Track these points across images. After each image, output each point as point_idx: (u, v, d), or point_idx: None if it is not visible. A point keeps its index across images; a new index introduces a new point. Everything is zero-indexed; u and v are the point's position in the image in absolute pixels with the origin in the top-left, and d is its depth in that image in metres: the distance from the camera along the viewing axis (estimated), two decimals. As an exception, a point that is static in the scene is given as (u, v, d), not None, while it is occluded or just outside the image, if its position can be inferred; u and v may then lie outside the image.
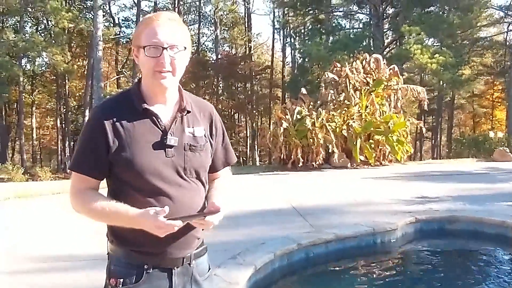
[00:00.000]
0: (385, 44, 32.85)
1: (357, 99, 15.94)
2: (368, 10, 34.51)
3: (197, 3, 41.92)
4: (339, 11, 37.59)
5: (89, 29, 29.06)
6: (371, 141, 15.30)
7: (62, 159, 37.51)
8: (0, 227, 7.22)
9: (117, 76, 38.78)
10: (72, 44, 35.97)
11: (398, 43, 33.76)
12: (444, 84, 31.08)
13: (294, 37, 43.12)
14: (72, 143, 37.30)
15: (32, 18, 33.94)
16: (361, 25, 37.12)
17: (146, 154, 1.89)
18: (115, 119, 1.90)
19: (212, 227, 1.92)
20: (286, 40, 44.15)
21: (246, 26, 43.69)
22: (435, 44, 31.12)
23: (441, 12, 31.36)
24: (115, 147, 1.88)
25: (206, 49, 45.30)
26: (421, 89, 17.79)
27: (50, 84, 38.87)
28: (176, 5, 39.58)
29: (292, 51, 43.29)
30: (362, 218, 6.87)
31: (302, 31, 40.75)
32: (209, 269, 2.16)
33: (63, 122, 38.17)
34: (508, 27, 37.65)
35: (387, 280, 5.35)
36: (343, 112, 15.69)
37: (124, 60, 40.76)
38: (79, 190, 1.94)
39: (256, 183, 12.33)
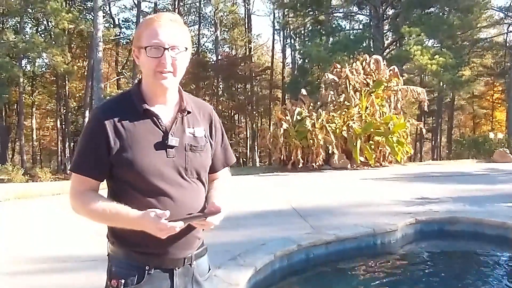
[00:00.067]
0: (385, 45, 32.90)
1: (357, 100, 15.96)
2: (368, 11, 34.57)
3: (197, 4, 41.96)
4: (339, 12, 37.64)
5: (89, 30, 29.08)
6: (371, 142, 15.31)
7: (62, 160, 37.53)
8: (0, 227, 7.22)
9: (117, 77, 38.80)
10: (72, 45, 36.01)
11: (398, 44, 33.82)
12: (444, 85, 31.14)
13: (294, 38, 43.17)
14: (72, 144, 37.34)
15: (32, 19, 33.98)
16: (361, 26, 37.16)
17: (148, 154, 1.89)
18: (116, 120, 1.90)
19: (213, 227, 1.93)
20: (286, 41, 44.24)
21: (246, 27, 43.71)
22: (435, 45, 31.22)
23: (441, 13, 31.41)
24: (116, 148, 1.88)
25: (206, 50, 45.37)
26: (421, 90, 17.81)
27: (50, 85, 38.90)
28: (176, 6, 39.62)
29: (292, 52, 43.38)
30: (362, 219, 6.86)
31: (302, 32, 40.80)
32: (209, 269, 2.16)
33: (63, 123, 38.20)
34: (508, 28, 37.73)
35: (387, 281, 5.34)
36: (343, 113, 15.70)
37: (124, 61, 40.78)
38: (79, 192, 1.94)
39: (256, 184, 12.34)
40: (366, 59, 17.24)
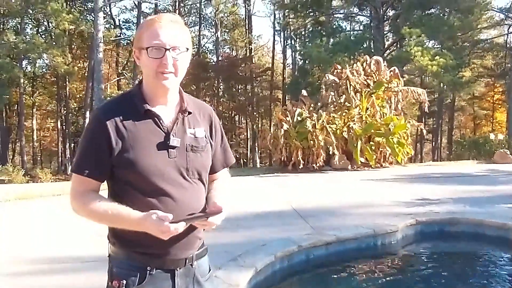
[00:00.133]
0: (386, 46, 32.90)
1: (357, 101, 15.95)
2: (369, 12, 34.57)
3: (198, 5, 41.93)
4: (340, 13, 37.65)
5: (90, 31, 29.07)
6: (371, 143, 15.31)
7: (63, 160, 37.53)
8: (0, 228, 7.22)
9: (118, 78, 38.81)
10: (73, 46, 36.03)
11: (398, 45, 33.80)
12: (445, 86, 31.16)
13: (295, 39, 43.19)
14: (72, 144, 37.38)
15: (32, 20, 33.98)
16: (361, 27, 37.14)
17: (149, 155, 1.89)
18: (117, 121, 1.90)
19: (215, 227, 1.93)
20: (286, 42, 44.25)
21: (247, 28, 43.71)
22: (435, 46, 31.19)
23: (441, 14, 31.42)
24: (118, 148, 1.88)
25: (206, 51, 45.34)
26: (421, 91, 17.80)
27: (50, 86, 38.91)
28: (176, 7, 39.61)
29: (293, 53, 43.37)
30: (362, 220, 6.87)
31: (303, 33, 40.82)
32: (210, 270, 2.16)
33: (64, 124, 38.20)
34: (508, 29, 37.70)
35: (387, 281, 5.34)
36: (344, 114, 15.70)
37: (125, 62, 40.80)
38: (80, 192, 1.93)
39: (256, 185, 12.34)
40: (366, 60, 17.24)
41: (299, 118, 15.31)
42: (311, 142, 14.59)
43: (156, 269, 1.94)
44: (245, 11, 43.93)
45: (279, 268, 5.14)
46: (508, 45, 38.42)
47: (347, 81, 16.03)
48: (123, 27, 40.58)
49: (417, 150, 38.02)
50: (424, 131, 23.94)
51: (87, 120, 29.50)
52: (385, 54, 29.38)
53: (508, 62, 37.86)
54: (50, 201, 9.74)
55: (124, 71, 39.09)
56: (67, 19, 26.86)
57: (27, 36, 29.68)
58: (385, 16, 33.31)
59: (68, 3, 31.12)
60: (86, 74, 35.54)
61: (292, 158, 14.89)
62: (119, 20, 41.72)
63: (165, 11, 37.04)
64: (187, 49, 1.95)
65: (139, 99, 1.97)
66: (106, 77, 35.08)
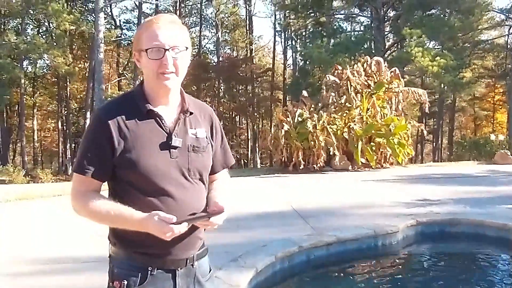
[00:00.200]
0: (386, 46, 32.92)
1: (358, 101, 15.96)
2: (369, 13, 34.56)
3: (199, 5, 41.94)
4: (340, 14, 37.66)
5: (91, 31, 29.05)
6: (372, 143, 15.30)
7: (63, 161, 37.57)
8: (1, 229, 7.22)
9: (119, 79, 38.83)
10: (74, 46, 36.07)
11: (399, 45, 33.82)
12: (445, 87, 31.16)
13: (295, 39, 43.18)
14: (73, 145, 37.41)
15: (33, 20, 34.03)
16: (362, 28, 37.16)
17: (151, 155, 1.90)
18: (119, 121, 1.90)
19: (216, 227, 1.94)
20: (287, 42, 44.27)
21: (248, 28, 43.73)
22: (436, 47, 31.20)
23: (442, 15, 31.41)
24: (121, 148, 1.88)
25: (207, 52, 45.38)
26: (422, 92, 17.79)
27: (51, 86, 38.95)
28: (177, 8, 39.62)
29: (293, 54, 43.36)
30: (363, 220, 6.86)
31: (304, 33, 40.82)
32: (210, 270, 2.16)
33: (64, 124, 38.24)
34: (509, 30, 37.67)
35: (388, 282, 5.34)
36: (344, 114, 15.70)
37: (126, 62, 40.82)
38: (81, 192, 1.93)
39: (257, 185, 12.35)
40: (367, 61, 17.24)
41: (299, 119, 15.31)
42: (312, 142, 14.59)
43: (157, 269, 1.94)
44: (246, 11, 44.03)
45: (280, 269, 5.14)
46: (508, 46, 38.43)
47: (348, 81, 16.03)
48: (123, 27, 40.67)
49: (418, 150, 38.04)
50: (425, 132, 23.95)
51: (87, 121, 29.55)
52: (386, 55, 29.38)
53: (509, 63, 37.85)
54: (51, 201, 9.75)
55: (124, 72, 39.13)
56: (68, 20, 26.87)
57: (28, 37, 29.71)
58: (386, 17, 33.32)
59: (69, 3, 31.13)
60: (86, 75, 35.56)
61: (293, 159, 14.89)
62: (119, 20, 41.80)
63: (166, 11, 37.04)
64: (187, 48, 1.96)
65: (141, 99, 1.97)
66: (106, 78, 35.11)
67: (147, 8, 37.81)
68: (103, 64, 28.34)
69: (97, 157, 1.90)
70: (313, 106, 16.66)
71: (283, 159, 15.40)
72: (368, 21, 36.21)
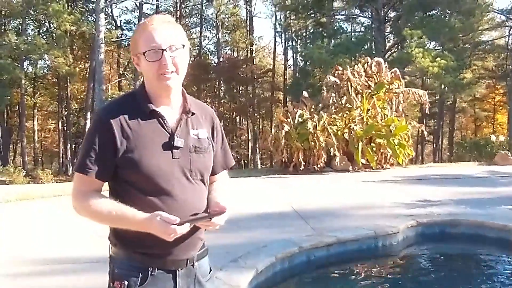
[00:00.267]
0: (387, 47, 32.92)
1: (358, 102, 15.94)
2: (370, 13, 34.56)
3: (199, 6, 41.97)
4: (341, 15, 37.66)
5: (91, 31, 29.09)
6: (372, 144, 15.29)
7: (64, 161, 37.58)
8: (1, 229, 7.22)
9: (119, 79, 38.84)
10: (74, 47, 36.07)
11: (399, 46, 33.81)
12: (446, 88, 31.15)
13: (296, 40, 43.17)
14: (73, 145, 37.43)
15: (34, 21, 34.04)
16: (362, 29, 37.18)
17: (154, 155, 1.90)
18: (122, 120, 1.90)
19: (218, 228, 1.94)
20: (287, 43, 44.26)
21: (248, 29, 43.75)
22: (436, 47, 31.17)
23: (442, 16, 31.40)
24: (123, 149, 1.88)
25: (208, 52, 45.42)
26: (422, 93, 17.78)
27: (51, 87, 38.97)
28: (178, 8, 39.66)
29: (294, 54, 43.34)
30: (363, 221, 6.87)
31: (304, 34, 40.79)
32: (210, 270, 2.17)
33: (65, 125, 38.25)
34: (509, 31, 37.61)
35: (388, 283, 5.35)
36: (345, 115, 15.69)
37: (126, 63, 40.80)
38: (83, 192, 1.93)
39: (257, 186, 12.34)
40: (367, 62, 17.23)
41: (300, 120, 15.29)
42: (312, 143, 14.58)
43: (158, 270, 1.94)
44: (246, 12, 44.05)
45: (280, 269, 5.14)
46: (509, 47, 38.36)
47: (348, 82, 16.01)
48: (124, 28, 40.66)
49: (418, 151, 37.99)
50: (425, 133, 23.95)
51: (88, 121, 29.57)
52: (386, 56, 29.38)
53: (509, 63, 37.84)
54: (51, 202, 9.74)
55: (125, 72, 39.13)
56: (68, 20, 26.89)
57: (28, 37, 29.70)
58: (386, 18, 33.32)
59: (70, 4, 31.16)
60: (87, 75, 35.56)
61: (293, 159, 14.87)
62: (120, 21, 41.80)
63: (167, 12, 37.10)
64: (183, 45, 1.96)
65: (143, 99, 1.97)
66: (107, 78, 35.14)
67: (148, 8, 37.87)
68: (103, 65, 28.35)
69: (99, 157, 1.90)
70: (313, 106, 16.64)
71: (283, 159, 15.38)
72: (369, 22, 36.23)
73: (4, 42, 26.96)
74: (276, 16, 42.64)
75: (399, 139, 15.41)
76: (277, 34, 43.80)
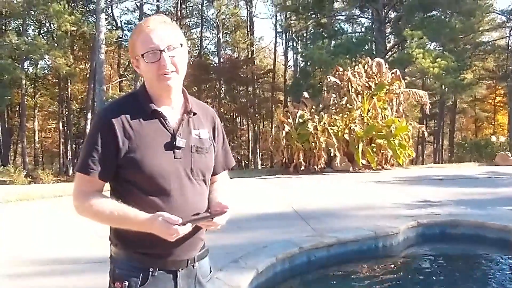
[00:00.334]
0: (387, 48, 32.92)
1: (359, 103, 15.95)
2: (370, 14, 34.57)
3: (200, 6, 41.99)
4: (341, 15, 37.69)
5: (92, 32, 29.10)
6: (373, 145, 15.29)
7: (64, 162, 37.58)
8: (1, 229, 7.22)
9: (119, 79, 38.85)
10: (75, 47, 36.07)
11: (400, 47, 33.82)
12: (446, 88, 31.15)
13: (296, 41, 43.18)
14: (74, 146, 37.44)
15: (34, 21, 34.07)
16: (363, 29, 37.17)
17: (156, 156, 1.90)
18: (124, 120, 1.91)
19: (220, 227, 1.94)
20: (288, 44, 44.30)
21: (249, 29, 43.78)
22: (437, 48, 31.15)
23: (443, 17, 31.37)
24: (125, 149, 1.88)
25: (208, 53, 45.45)
26: (423, 93, 17.79)
27: (52, 87, 38.98)
28: (178, 9, 39.68)
29: (294, 55, 43.37)
30: (364, 222, 6.86)
31: (304, 35, 40.81)
32: (211, 271, 2.17)
33: (65, 125, 38.26)
34: (510, 31, 37.62)
35: (388, 284, 5.34)
36: (345, 116, 15.69)
37: (127, 64, 40.79)
38: (84, 193, 1.93)
39: (258, 186, 12.34)
40: (368, 62, 17.24)
41: (300, 120, 15.30)
42: (313, 144, 14.58)
43: (158, 270, 1.94)
44: (247, 13, 44.09)
45: (280, 270, 5.14)
46: (509, 48, 38.38)
47: (349, 83, 16.02)
48: (125, 28, 40.66)
49: (419, 152, 37.97)
50: (426, 133, 24.01)
51: (88, 122, 29.58)
52: (387, 56, 29.40)
53: (510, 64, 37.84)
54: (52, 202, 9.74)
55: (125, 73, 39.13)
56: (69, 21, 26.88)
57: (29, 37, 29.71)
58: (387, 18, 33.33)
59: (70, 4, 31.16)
60: (87, 76, 35.58)
61: (294, 160, 14.88)
62: (121, 21, 41.86)
63: (167, 12, 37.17)
64: (181, 44, 1.97)
65: (145, 99, 1.97)
66: (107, 79, 35.15)
67: (148, 9, 37.95)
68: (104, 65, 28.37)
69: (101, 157, 1.89)
70: (314, 107, 16.65)
71: (284, 160, 15.39)
72: (369, 23, 36.22)
73: (4, 43, 26.95)
74: (276, 16, 42.76)
75: (400, 140, 15.42)
76: (277, 35, 43.88)
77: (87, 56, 37.00)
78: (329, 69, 22.48)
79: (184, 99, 2.05)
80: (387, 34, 33.70)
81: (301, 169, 14.65)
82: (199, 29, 43.58)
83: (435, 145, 42.44)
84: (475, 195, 9.52)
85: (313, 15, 35.26)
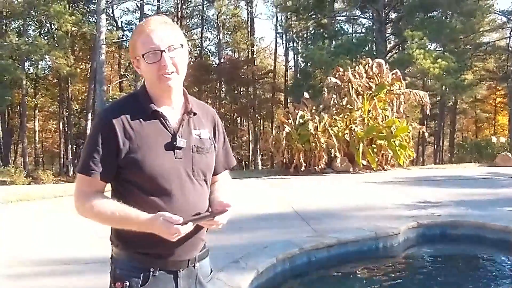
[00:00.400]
0: (388, 48, 32.90)
1: (359, 103, 15.94)
2: (371, 15, 34.55)
3: (200, 7, 42.00)
4: (342, 16, 37.67)
5: (92, 32, 29.12)
6: (373, 145, 15.28)
7: (65, 162, 37.61)
8: (2, 230, 7.23)
9: (120, 80, 38.88)
10: (75, 48, 36.08)
11: (400, 47, 33.81)
12: (447, 89, 31.10)
13: (297, 41, 43.13)
14: (74, 146, 37.44)
15: (35, 22, 34.11)
16: (363, 30, 37.13)
17: (156, 156, 1.90)
18: (124, 121, 1.91)
19: (221, 227, 1.94)
20: (288, 44, 44.25)
21: (249, 30, 43.79)
22: (437, 49, 31.13)
23: (443, 17, 31.36)
24: (126, 149, 1.89)
25: (208, 53, 45.48)
26: (423, 94, 17.78)
27: (52, 88, 39.00)
28: (179, 9, 39.68)
29: (295, 56, 43.32)
30: (364, 222, 6.86)
31: (305, 35, 40.77)
32: (211, 271, 2.17)
33: (66, 126, 38.27)
34: (510, 32, 37.60)
35: (388, 284, 5.34)
36: (346, 116, 15.68)
37: (127, 64, 40.79)
38: (85, 193, 1.93)
39: (258, 187, 12.34)
40: (368, 63, 17.22)
41: (301, 121, 15.29)
42: (313, 144, 14.58)
43: (159, 271, 1.95)
44: (247, 13, 44.11)
45: (281, 270, 5.14)
46: (510, 48, 38.37)
47: (349, 83, 16.01)
48: (125, 29, 40.63)
49: (419, 152, 37.95)
50: (426, 134, 23.99)
51: (89, 122, 29.58)
52: (387, 57, 29.37)
53: (510, 65, 37.82)
54: (52, 202, 9.74)
55: (126, 73, 39.14)
56: (69, 21, 26.89)
57: (29, 38, 29.73)
58: (387, 19, 33.31)
59: (71, 4, 31.17)
60: (88, 76, 35.59)
61: (294, 161, 14.87)
62: (121, 22, 41.81)
63: (168, 13, 37.17)
64: (182, 45, 1.97)
65: (145, 100, 1.98)
66: (108, 79, 35.15)
67: (149, 9, 37.95)
68: (104, 66, 28.36)
69: (102, 158, 1.90)
70: (314, 108, 16.63)
71: (284, 160, 15.38)
72: (370, 23, 36.20)
73: (5, 43, 26.98)
74: (277, 17, 42.74)
75: (400, 141, 15.41)
76: (278, 35, 43.83)
77: (88, 57, 37.02)
78: (330, 69, 22.47)
79: (184, 99, 2.06)
80: (387, 35, 33.69)
81: (302, 169, 14.65)
82: (199, 29, 43.62)
83: (435, 145, 42.43)
84: (475, 196, 9.52)
85: (314, 16, 35.23)
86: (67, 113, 37.76)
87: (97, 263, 4.72)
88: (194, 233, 1.93)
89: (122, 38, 36.85)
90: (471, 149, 22.69)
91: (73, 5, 32.81)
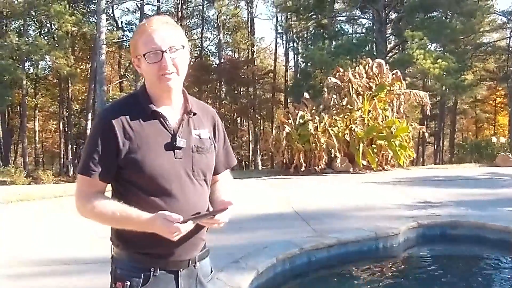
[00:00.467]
0: (388, 49, 32.89)
1: (359, 103, 15.93)
2: (371, 15, 34.54)
3: (200, 7, 42.00)
4: (342, 16, 37.68)
5: (93, 32, 29.13)
6: (373, 146, 15.28)
7: (65, 162, 37.60)
8: (2, 230, 7.23)
9: (120, 80, 38.87)
10: (75, 48, 36.06)
11: (400, 48, 33.81)
12: (447, 89, 31.11)
13: (297, 41, 43.11)
14: (74, 146, 37.43)
15: (35, 22, 34.09)
16: (364, 30, 37.14)
17: (156, 156, 1.91)
18: (124, 121, 1.91)
19: (223, 225, 1.94)
20: (289, 44, 44.22)
21: (249, 30, 43.78)
22: (437, 49, 31.14)
23: (444, 17, 31.37)
24: (126, 150, 1.89)
25: (209, 53, 45.46)
26: (423, 94, 17.77)
27: (53, 88, 38.98)
28: (179, 9, 39.68)
29: (295, 56, 43.31)
30: (364, 222, 6.86)
31: (305, 35, 40.77)
32: (212, 271, 2.18)
33: (66, 126, 38.26)
34: (511, 32, 37.60)
35: (389, 285, 5.35)
36: (346, 116, 15.68)
37: (127, 64, 40.78)
38: (86, 194, 1.94)
39: (258, 187, 12.34)
40: (368, 63, 17.21)
41: (301, 121, 15.29)
42: (313, 144, 14.58)
43: (160, 270, 1.95)
44: (248, 13, 44.09)
45: (281, 271, 5.14)
46: (510, 49, 38.37)
47: (349, 83, 16.00)
48: (125, 29, 40.59)
49: (419, 153, 37.92)
50: (426, 134, 23.98)
51: (89, 122, 29.58)
52: (387, 57, 29.36)
53: (510, 65, 37.81)
54: (52, 202, 9.74)
55: (126, 73, 39.13)
56: (69, 21, 26.88)
57: (29, 38, 29.70)
58: (388, 19, 33.30)
59: (71, 5, 31.15)
60: (88, 76, 35.57)
61: (294, 161, 14.86)
62: (121, 22, 41.77)
63: (168, 13, 37.15)
64: (183, 46, 1.97)
65: (145, 100, 1.98)
66: (108, 79, 35.13)
67: (149, 9, 37.92)
68: (104, 66, 28.33)
69: (102, 159, 1.90)
70: (314, 108, 16.63)
71: (284, 161, 15.37)
72: (370, 23, 36.19)
73: (5, 43, 26.96)
74: (277, 17, 42.72)
75: (400, 141, 15.40)
76: (278, 36, 43.81)
77: (88, 57, 37.00)
78: (330, 70, 22.47)
79: (184, 99, 2.06)
80: (387, 35, 33.68)
81: (302, 169, 14.64)
82: (199, 29, 43.61)
83: (435, 146, 42.43)
84: (475, 196, 9.52)
85: (314, 16, 35.22)
86: (67, 113, 37.75)
87: (97, 263, 4.71)
88: (194, 233, 1.93)
89: (122, 38, 36.86)
90: (471, 150, 22.67)
91: (73, 5, 32.78)
